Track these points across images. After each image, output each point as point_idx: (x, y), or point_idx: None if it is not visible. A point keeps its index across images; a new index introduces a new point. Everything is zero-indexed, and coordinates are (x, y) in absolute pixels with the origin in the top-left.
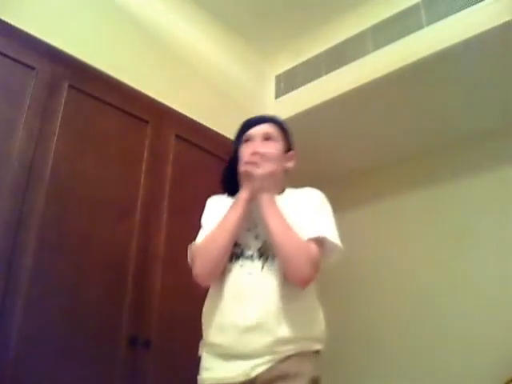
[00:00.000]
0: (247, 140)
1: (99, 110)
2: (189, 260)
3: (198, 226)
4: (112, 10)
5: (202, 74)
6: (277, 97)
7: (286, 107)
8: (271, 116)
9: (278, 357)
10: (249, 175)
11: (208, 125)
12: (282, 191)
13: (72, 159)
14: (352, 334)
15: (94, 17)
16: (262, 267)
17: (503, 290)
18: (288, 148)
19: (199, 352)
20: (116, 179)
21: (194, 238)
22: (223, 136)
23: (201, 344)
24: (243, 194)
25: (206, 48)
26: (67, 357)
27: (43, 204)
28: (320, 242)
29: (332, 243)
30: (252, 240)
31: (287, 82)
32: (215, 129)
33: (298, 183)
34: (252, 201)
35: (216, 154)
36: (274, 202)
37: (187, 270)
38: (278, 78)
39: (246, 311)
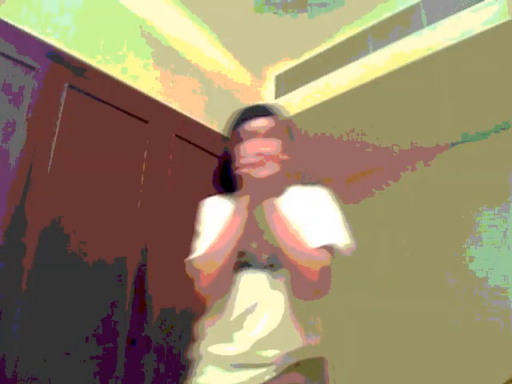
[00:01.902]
0: (244, 137)
1: (99, 109)
2: (189, 273)
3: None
4: (112, 11)
5: (202, 74)
6: (277, 97)
7: (286, 107)
8: (266, 107)
9: (284, 366)
10: (251, 178)
11: (208, 125)
12: (284, 190)
13: (72, 159)
14: (350, 336)
15: (95, 17)
16: (270, 277)
17: (503, 289)
18: (287, 139)
19: (190, 355)
20: (116, 179)
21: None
22: (223, 136)
23: (193, 349)
24: (244, 200)
25: (206, 48)
26: (67, 357)
27: (43, 204)
28: (331, 248)
29: (343, 247)
30: (257, 248)
31: (287, 82)
32: (215, 129)
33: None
34: (255, 205)
35: (216, 154)
36: (279, 207)
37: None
38: (278, 78)
39: (255, 324)
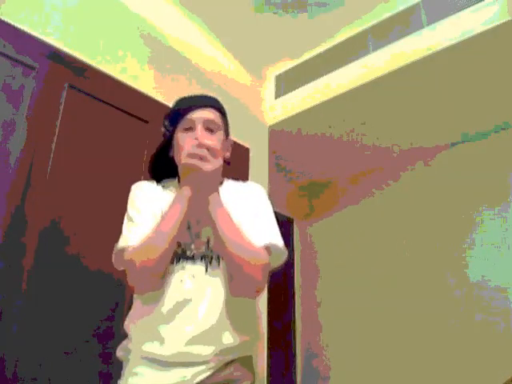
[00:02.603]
0: (188, 127)
1: (99, 109)
2: (118, 262)
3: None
4: (113, 11)
5: (202, 74)
6: (277, 97)
7: (286, 107)
8: (211, 99)
9: (219, 363)
10: (195, 169)
11: None
12: (221, 183)
13: (72, 159)
14: (350, 335)
15: (95, 17)
16: (206, 270)
17: (503, 289)
18: (226, 134)
19: (118, 354)
20: (116, 179)
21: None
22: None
23: (122, 347)
24: (187, 189)
25: (206, 48)
26: (67, 357)
27: (43, 204)
28: (269, 248)
29: (280, 250)
30: (193, 239)
31: (287, 82)
32: None
33: (299, 182)
34: (198, 197)
35: None
36: (222, 203)
37: None
38: (278, 78)
39: (190, 319)
